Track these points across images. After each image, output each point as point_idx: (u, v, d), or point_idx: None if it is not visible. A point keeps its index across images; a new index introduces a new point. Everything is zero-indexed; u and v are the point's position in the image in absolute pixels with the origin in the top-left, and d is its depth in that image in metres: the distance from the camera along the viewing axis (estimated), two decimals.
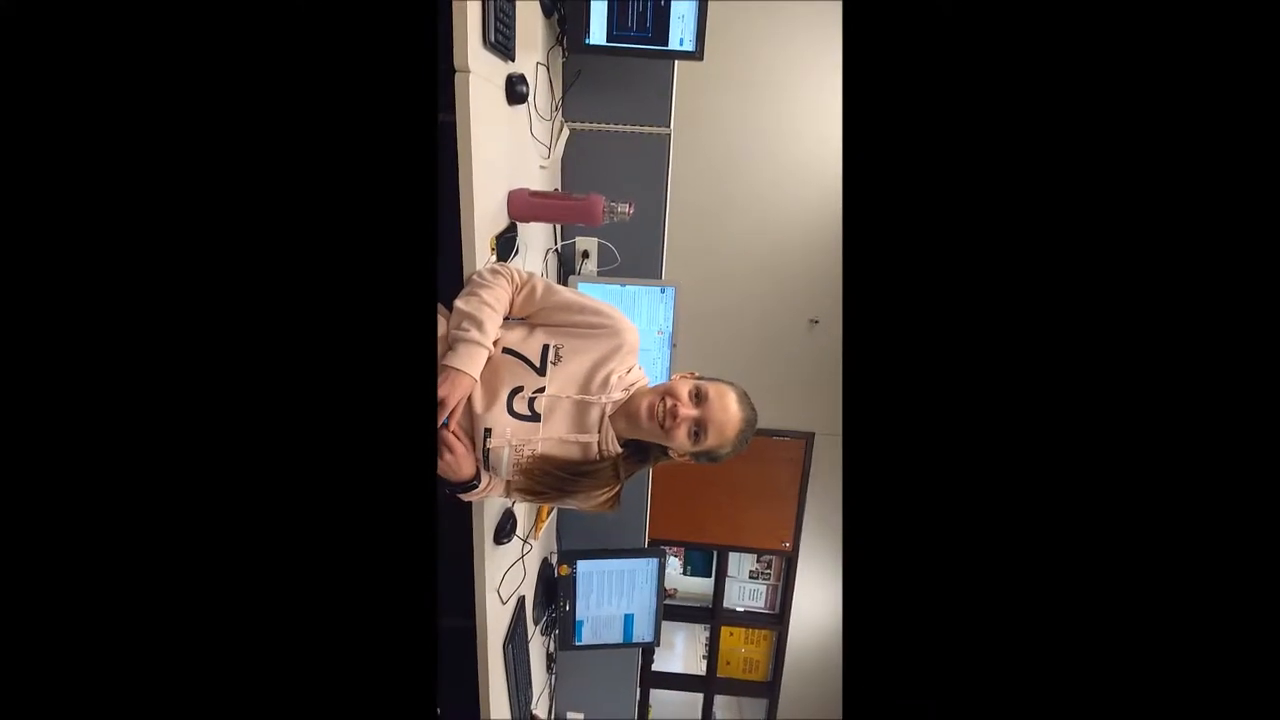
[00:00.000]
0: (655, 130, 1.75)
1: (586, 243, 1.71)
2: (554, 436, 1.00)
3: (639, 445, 1.04)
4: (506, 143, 1.25)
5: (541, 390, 0.98)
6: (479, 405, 0.98)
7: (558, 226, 1.64)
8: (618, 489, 1.06)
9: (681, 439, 0.96)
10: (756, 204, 2.71)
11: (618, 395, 1.00)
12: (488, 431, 0.98)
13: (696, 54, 1.55)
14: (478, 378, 0.97)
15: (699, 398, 0.97)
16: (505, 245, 1.20)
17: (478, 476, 1.02)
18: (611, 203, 1.31)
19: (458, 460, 0.98)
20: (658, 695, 3.36)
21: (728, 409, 0.97)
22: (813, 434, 2.93)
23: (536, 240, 1.48)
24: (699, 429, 0.96)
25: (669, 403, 0.96)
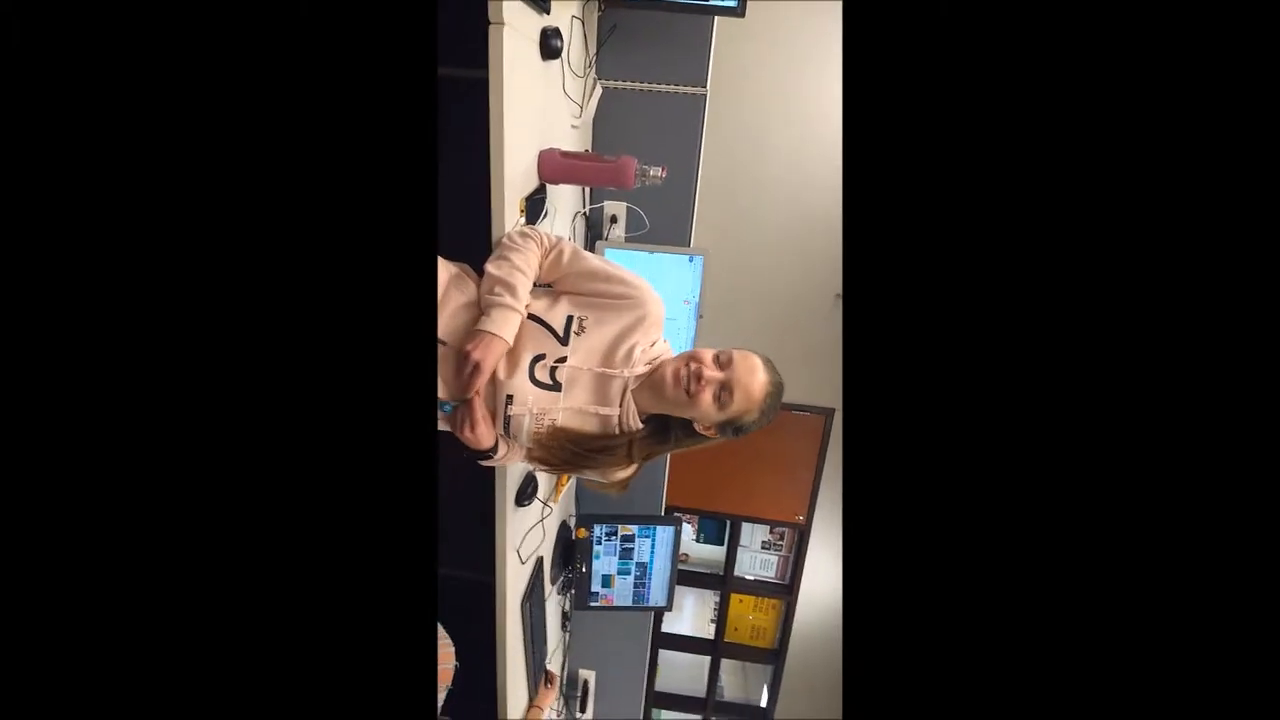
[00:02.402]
0: (691, 91, 1.69)
1: (615, 207, 1.67)
2: (574, 407, 0.99)
3: (660, 424, 1.02)
4: (539, 100, 1.21)
5: (563, 360, 0.97)
6: (501, 371, 0.97)
7: (587, 189, 1.60)
8: (632, 471, 1.06)
9: (707, 403, 0.94)
10: (790, 173, 2.62)
11: (640, 369, 0.99)
12: (509, 398, 0.97)
13: (739, 10, 1.48)
14: (511, 341, 0.97)
15: (723, 362, 0.96)
16: (534, 207, 1.18)
17: (496, 446, 1.02)
18: (643, 166, 1.28)
19: (477, 437, 0.99)
20: (665, 656, 3.44)
21: (754, 371, 0.95)
22: (833, 410, 2.90)
23: (565, 203, 1.45)
24: (724, 392, 0.94)
25: (694, 366, 0.94)
